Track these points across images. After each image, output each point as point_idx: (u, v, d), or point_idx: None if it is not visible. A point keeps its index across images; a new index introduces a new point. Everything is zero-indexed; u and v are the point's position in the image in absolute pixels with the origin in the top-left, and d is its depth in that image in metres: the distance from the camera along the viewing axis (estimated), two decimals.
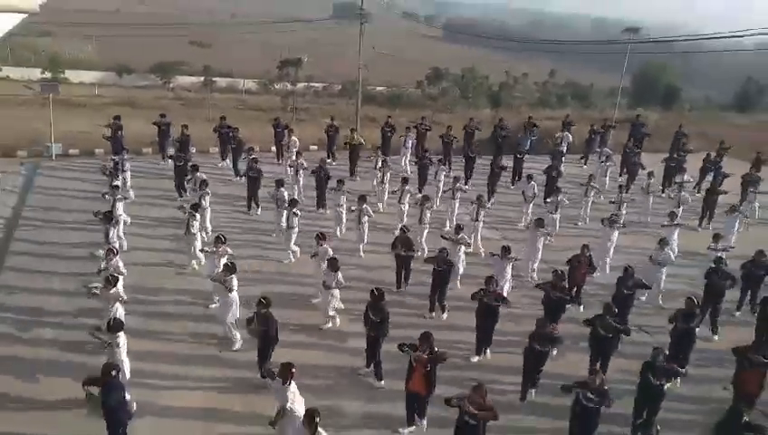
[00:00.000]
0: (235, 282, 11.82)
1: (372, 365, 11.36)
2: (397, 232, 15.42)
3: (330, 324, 12.89)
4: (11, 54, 45.78)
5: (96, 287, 11.24)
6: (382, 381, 11.25)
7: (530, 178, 19.17)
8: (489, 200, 19.43)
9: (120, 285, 11.37)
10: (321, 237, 13.64)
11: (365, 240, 16.24)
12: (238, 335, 11.95)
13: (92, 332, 10.99)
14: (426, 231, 16.34)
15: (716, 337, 13.44)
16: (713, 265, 13.69)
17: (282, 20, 57.59)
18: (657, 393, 9.96)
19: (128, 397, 9.16)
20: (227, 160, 21.91)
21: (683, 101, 47.93)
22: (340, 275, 12.53)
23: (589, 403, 9.06)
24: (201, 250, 14.29)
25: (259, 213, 18.41)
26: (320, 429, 7.93)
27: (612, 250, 16.00)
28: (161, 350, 11.75)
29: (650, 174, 20.34)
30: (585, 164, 25.19)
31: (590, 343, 11.37)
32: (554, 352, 11.77)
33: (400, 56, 71.36)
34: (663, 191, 21.80)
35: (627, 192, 19.34)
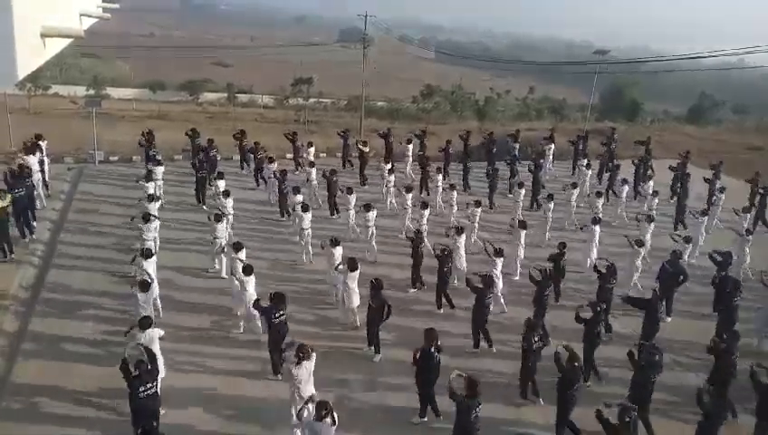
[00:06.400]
0: (251, 283, 11.41)
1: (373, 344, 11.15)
2: (401, 236, 14.95)
3: (347, 321, 12.23)
4: (60, 74, 45.13)
5: (132, 276, 11.18)
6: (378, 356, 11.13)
7: (521, 185, 18.59)
8: (491, 208, 19.10)
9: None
10: (334, 242, 13.01)
11: (373, 239, 15.51)
12: (258, 324, 11.41)
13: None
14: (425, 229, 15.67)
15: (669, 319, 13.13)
16: (668, 260, 13.38)
17: (295, 44, 56.96)
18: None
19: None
20: (246, 170, 21.29)
21: (645, 114, 47.24)
22: (356, 274, 11.87)
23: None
24: (222, 252, 13.70)
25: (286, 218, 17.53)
26: (327, 419, 7.62)
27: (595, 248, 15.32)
28: (185, 336, 11.37)
29: (624, 180, 19.68)
30: (573, 173, 23.71)
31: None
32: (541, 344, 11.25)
33: (397, 75, 70.74)
34: (635, 197, 21.04)
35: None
